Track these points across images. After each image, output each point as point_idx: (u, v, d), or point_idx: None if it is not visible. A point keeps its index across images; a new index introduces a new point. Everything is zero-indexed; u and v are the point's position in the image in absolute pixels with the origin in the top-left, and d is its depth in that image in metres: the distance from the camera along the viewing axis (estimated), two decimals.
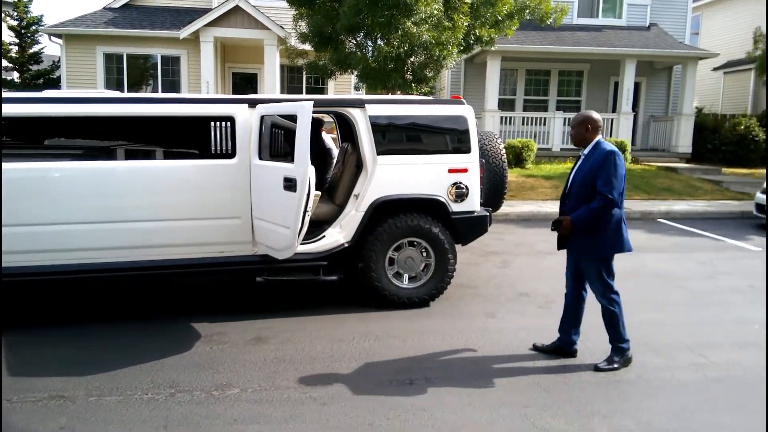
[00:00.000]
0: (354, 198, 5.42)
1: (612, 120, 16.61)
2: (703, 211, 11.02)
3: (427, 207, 5.51)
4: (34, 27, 18.10)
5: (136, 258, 4.95)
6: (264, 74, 16.25)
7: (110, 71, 16.65)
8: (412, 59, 11.30)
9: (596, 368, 4.24)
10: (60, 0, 38.27)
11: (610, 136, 16.34)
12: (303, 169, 4.42)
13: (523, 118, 16.66)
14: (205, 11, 15.92)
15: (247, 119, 5.09)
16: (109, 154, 4.88)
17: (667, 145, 17.52)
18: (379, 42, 11.35)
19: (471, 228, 5.68)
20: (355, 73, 11.67)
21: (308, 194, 4.50)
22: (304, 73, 15.16)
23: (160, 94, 5.26)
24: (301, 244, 5.25)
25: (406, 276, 5.54)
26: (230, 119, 5.07)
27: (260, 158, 5.02)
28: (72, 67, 16.24)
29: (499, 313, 5.50)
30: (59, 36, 16.08)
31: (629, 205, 11.30)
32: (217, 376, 4.10)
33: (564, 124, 16.44)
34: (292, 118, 4.57)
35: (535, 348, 4.62)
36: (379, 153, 5.34)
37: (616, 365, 4.24)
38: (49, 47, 19.37)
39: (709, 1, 23.09)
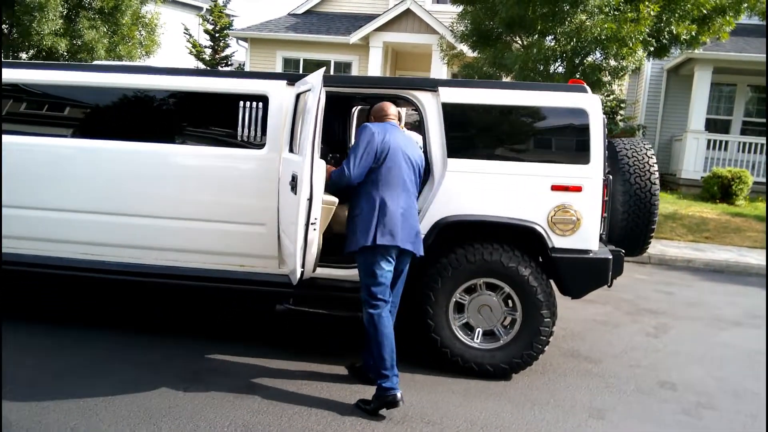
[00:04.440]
0: None
1: None
2: None
3: (516, 237, 3.83)
4: (225, 31, 19.32)
5: (146, 261, 4.10)
6: None
7: None
8: (585, 60, 9.30)
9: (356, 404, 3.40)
10: (254, 6, 42.12)
11: None
12: (306, 161, 3.13)
13: (740, 143, 13.32)
14: None
15: (284, 100, 3.94)
16: (108, 133, 4.08)
17: None
18: (548, 40, 9.55)
19: (582, 273, 3.82)
20: (511, 75, 9.96)
21: (310, 198, 3.17)
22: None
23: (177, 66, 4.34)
24: (339, 268, 3.95)
25: (478, 330, 3.91)
26: (262, 99, 3.97)
27: (291, 150, 3.84)
28: (255, 69, 16.86)
29: (613, 412, 3.58)
30: (245, 40, 16.79)
31: None
32: None
33: None
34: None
35: (351, 369, 3.79)
36: (451, 155, 3.81)
37: (368, 407, 3.30)
38: (239, 52, 20.66)
39: None
